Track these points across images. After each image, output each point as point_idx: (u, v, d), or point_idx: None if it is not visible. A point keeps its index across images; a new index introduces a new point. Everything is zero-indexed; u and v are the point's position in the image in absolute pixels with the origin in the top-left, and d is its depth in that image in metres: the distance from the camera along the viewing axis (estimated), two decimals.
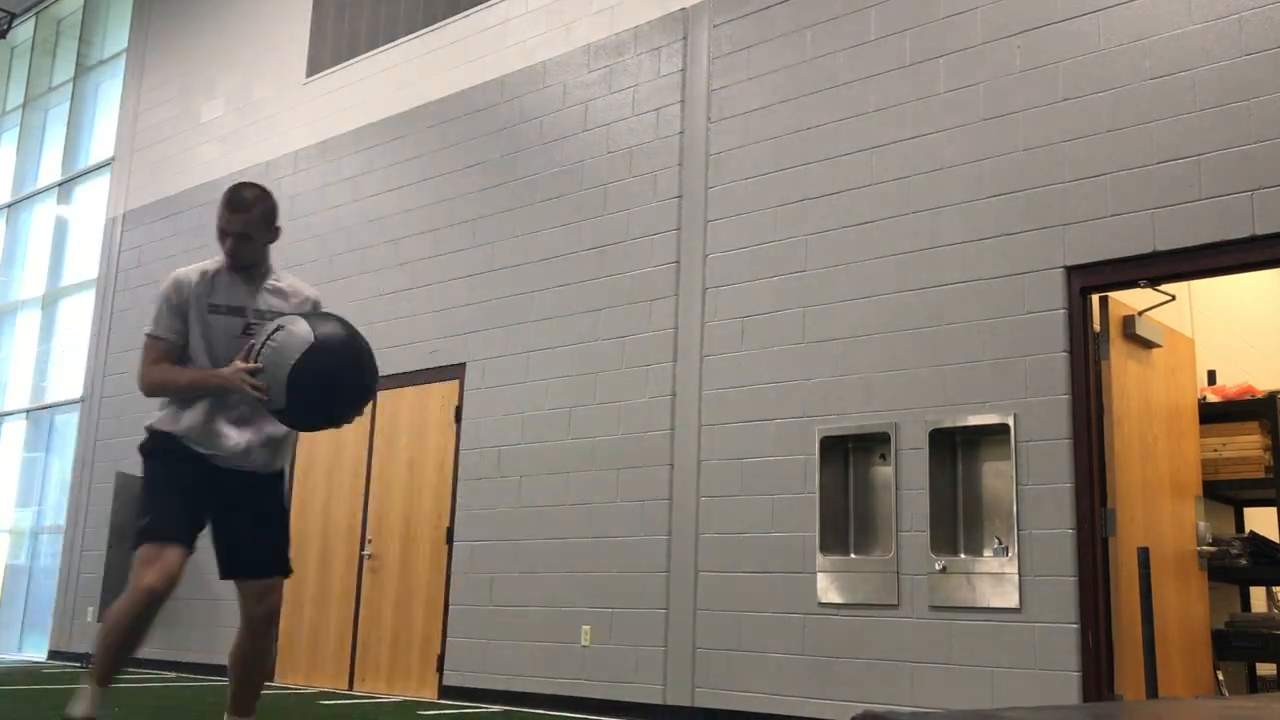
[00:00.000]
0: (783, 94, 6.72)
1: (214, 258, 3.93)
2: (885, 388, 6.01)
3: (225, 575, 3.84)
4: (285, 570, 3.89)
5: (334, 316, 3.73)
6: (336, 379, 3.62)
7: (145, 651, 10.00)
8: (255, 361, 3.59)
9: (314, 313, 3.84)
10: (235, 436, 3.76)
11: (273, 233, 3.92)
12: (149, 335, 3.80)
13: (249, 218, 3.83)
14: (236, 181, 4.03)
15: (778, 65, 6.78)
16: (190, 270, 3.86)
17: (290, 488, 9.00)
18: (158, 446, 3.78)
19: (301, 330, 3.58)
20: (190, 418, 3.74)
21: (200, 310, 3.78)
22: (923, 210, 6.04)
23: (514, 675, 7.19)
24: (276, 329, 3.61)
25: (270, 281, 3.97)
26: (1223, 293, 7.21)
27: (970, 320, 5.77)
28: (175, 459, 3.73)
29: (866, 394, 6.06)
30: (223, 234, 3.84)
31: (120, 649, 3.59)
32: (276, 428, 3.83)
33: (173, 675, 8.73)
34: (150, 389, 3.81)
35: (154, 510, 3.66)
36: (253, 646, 3.83)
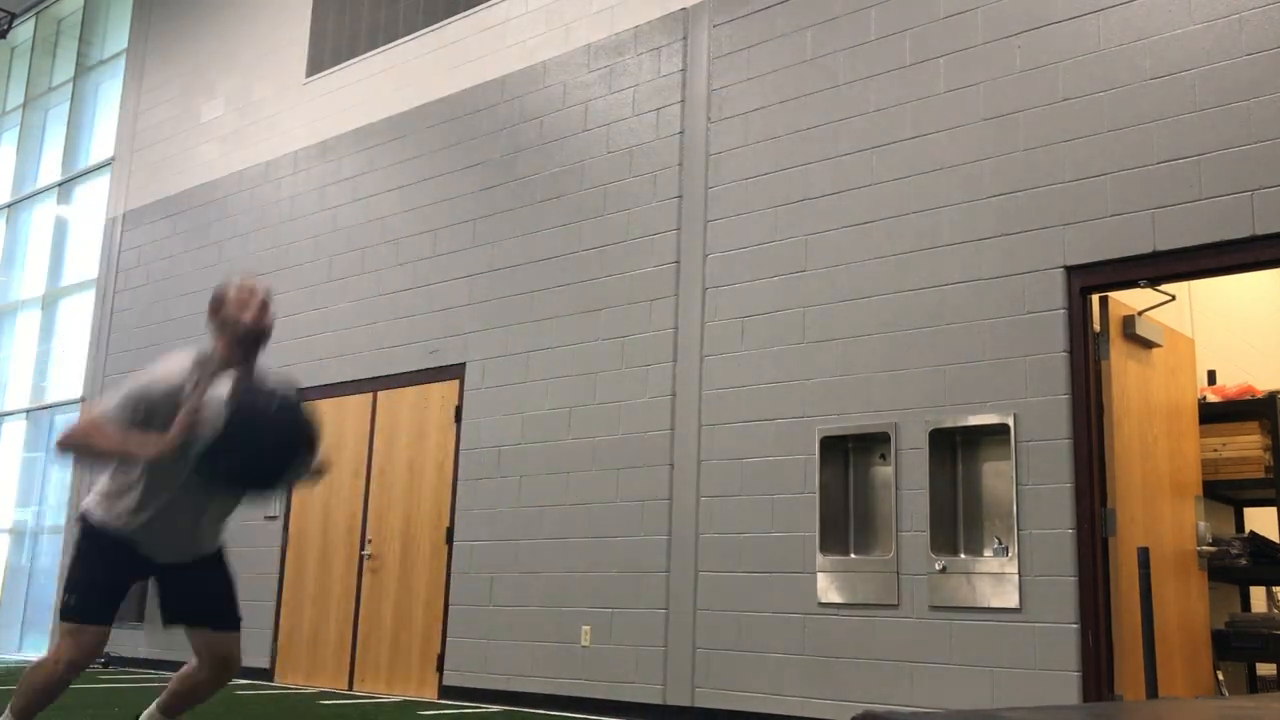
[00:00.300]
0: (783, 94, 6.72)
1: (190, 353, 3.71)
2: (885, 388, 6.01)
3: (171, 624, 3.92)
4: (236, 623, 3.94)
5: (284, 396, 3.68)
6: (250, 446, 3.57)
7: (145, 652, 10.00)
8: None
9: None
10: (185, 549, 3.79)
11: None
12: (101, 415, 3.61)
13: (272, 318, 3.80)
14: (241, 277, 3.88)
15: (778, 65, 6.78)
16: (172, 374, 3.64)
17: (290, 488, 9.00)
18: (94, 537, 3.74)
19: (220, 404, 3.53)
20: (145, 521, 3.69)
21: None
22: (923, 210, 6.04)
23: (514, 675, 7.19)
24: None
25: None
26: (1223, 293, 7.21)
27: (970, 320, 5.77)
28: (109, 550, 3.72)
29: (866, 394, 6.06)
30: (253, 333, 3.72)
31: (37, 709, 3.72)
32: (218, 527, 3.87)
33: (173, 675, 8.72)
34: (73, 445, 3.65)
35: (78, 589, 3.71)
36: (211, 682, 3.92)
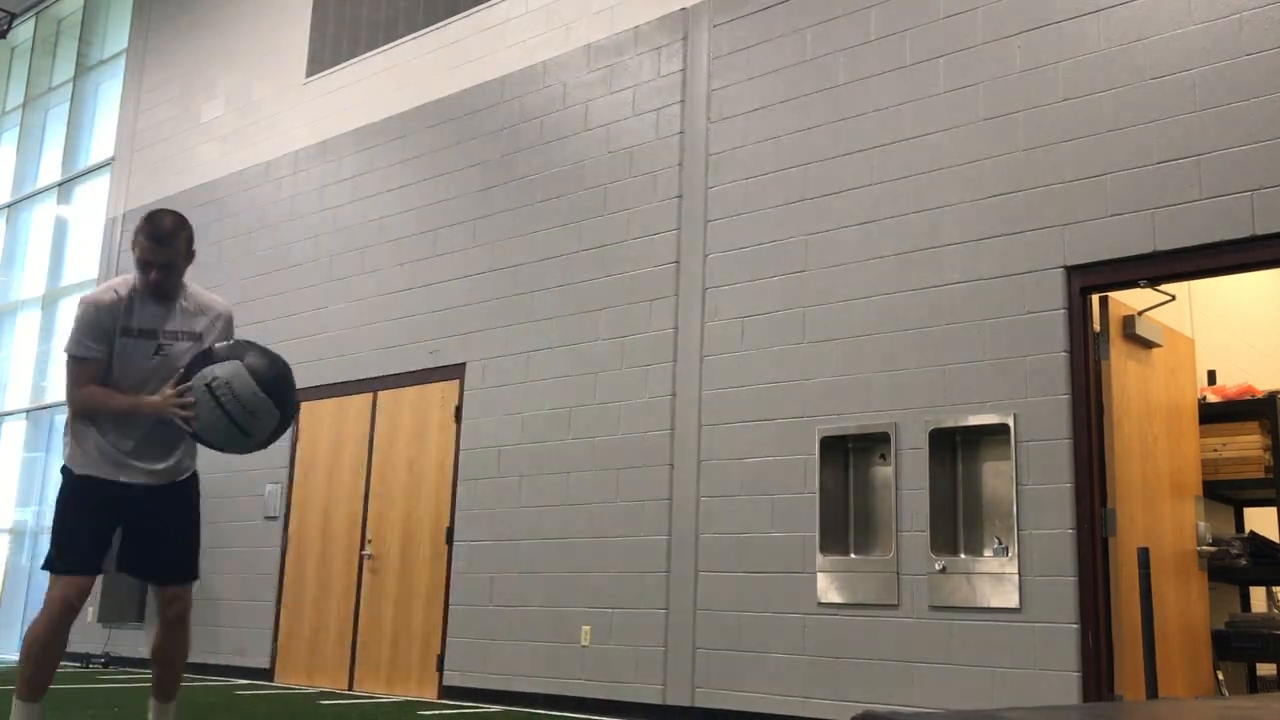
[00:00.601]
0: (783, 94, 6.72)
1: (122, 277, 4.02)
2: (885, 388, 6.01)
3: (134, 575, 4.12)
4: (190, 576, 4.08)
5: (249, 345, 3.94)
6: (286, 400, 3.92)
7: (145, 652, 9.97)
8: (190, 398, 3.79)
9: (231, 345, 3.98)
10: (139, 462, 3.93)
11: (192, 257, 4.02)
12: (73, 357, 3.89)
13: (173, 251, 3.93)
14: (153, 210, 4.10)
15: (778, 65, 6.79)
16: (104, 292, 3.93)
17: (290, 488, 9.01)
18: (68, 480, 3.96)
19: (234, 368, 3.84)
20: (95, 451, 3.90)
21: (115, 334, 3.89)
22: (923, 210, 6.04)
23: (514, 675, 7.19)
24: (213, 378, 3.81)
25: (182, 301, 4.03)
26: (1223, 293, 7.21)
27: (970, 320, 5.78)
28: (84, 491, 3.91)
29: (866, 394, 6.06)
30: (145, 264, 3.91)
31: (41, 660, 3.83)
32: (178, 441, 4.01)
33: None
34: (83, 410, 3.92)
35: (62, 542, 3.89)
36: (170, 642, 4.04)
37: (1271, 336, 8.01)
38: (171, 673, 4.08)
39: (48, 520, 12.47)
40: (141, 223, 3.94)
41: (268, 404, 3.82)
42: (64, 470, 3.98)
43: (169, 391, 3.82)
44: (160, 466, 3.96)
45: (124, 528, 3.95)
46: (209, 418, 3.80)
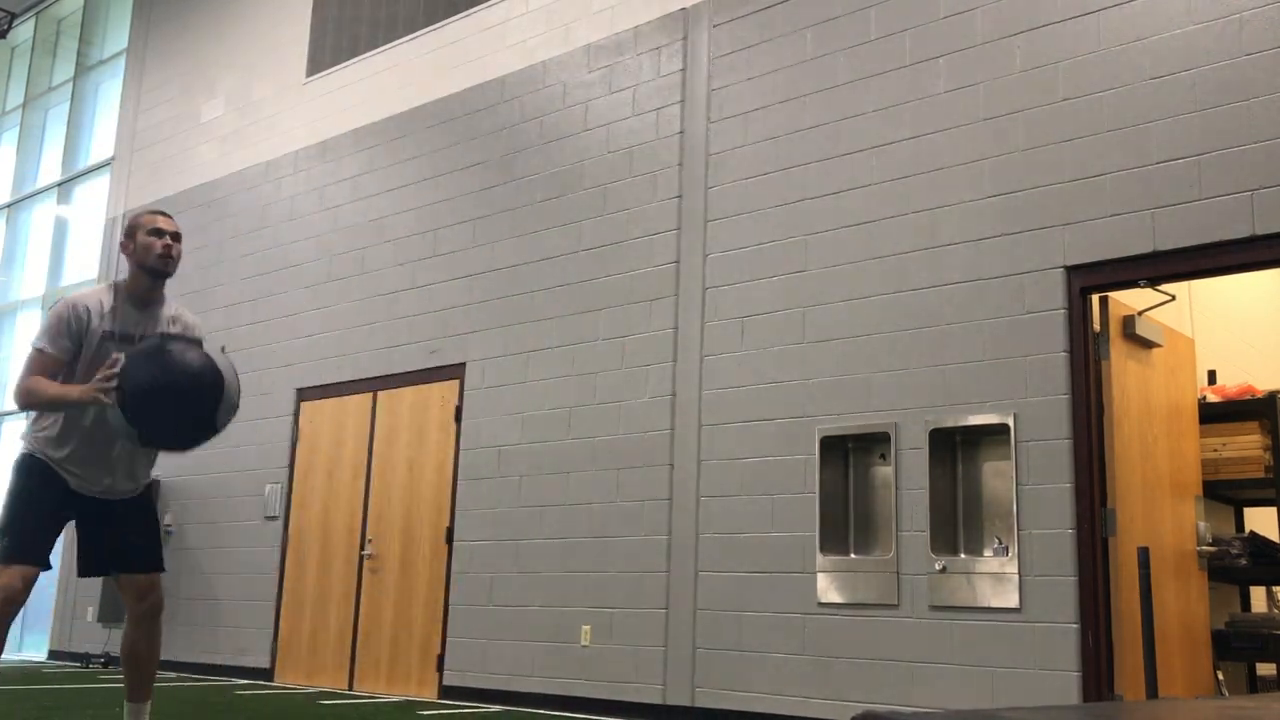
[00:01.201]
0: (783, 94, 6.72)
1: (107, 283, 4.10)
2: (885, 388, 6.01)
3: (105, 570, 4.08)
4: (161, 565, 4.10)
5: (196, 346, 3.92)
6: (169, 398, 3.78)
7: None
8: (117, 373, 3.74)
9: (179, 336, 4.00)
10: (105, 478, 3.96)
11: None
12: (36, 349, 3.92)
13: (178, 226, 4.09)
14: (153, 209, 4.24)
15: (778, 65, 6.79)
16: (88, 296, 3.98)
17: (290, 488, 9.00)
18: (30, 467, 3.95)
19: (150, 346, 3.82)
20: (69, 450, 3.92)
21: (93, 338, 3.92)
22: (923, 210, 6.04)
23: (514, 675, 7.19)
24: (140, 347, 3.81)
25: (162, 310, 4.10)
26: (1222, 293, 7.21)
27: (970, 320, 5.78)
28: (42, 481, 3.92)
29: (866, 394, 6.06)
30: (158, 233, 3.98)
31: None
32: (143, 466, 4.08)
33: (173, 675, 8.73)
34: (22, 400, 3.93)
35: (14, 528, 3.85)
36: (143, 641, 4.04)
37: (1271, 336, 8.01)
38: (147, 671, 4.06)
39: None
40: (139, 213, 4.07)
41: (138, 408, 3.71)
42: (24, 455, 3.97)
43: (97, 376, 3.77)
44: (121, 483, 4.02)
45: (82, 522, 3.98)
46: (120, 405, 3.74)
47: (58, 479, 3.91)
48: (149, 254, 3.98)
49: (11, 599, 3.74)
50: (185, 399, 3.76)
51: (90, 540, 4.03)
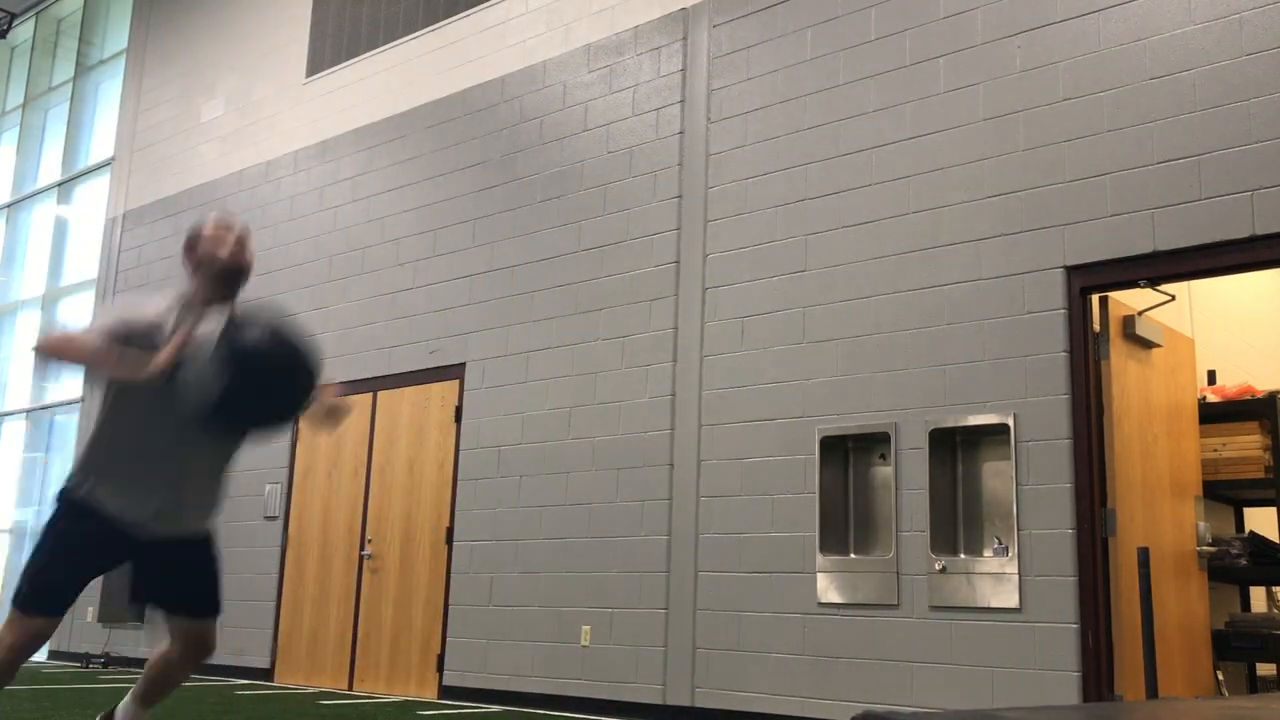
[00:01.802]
0: (783, 94, 6.72)
1: (172, 291, 3.67)
2: (885, 388, 6.01)
3: (160, 608, 3.77)
4: (218, 610, 3.85)
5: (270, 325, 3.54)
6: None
7: (145, 652, 9.97)
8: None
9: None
10: (157, 504, 3.58)
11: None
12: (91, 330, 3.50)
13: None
14: (216, 214, 3.85)
15: (778, 65, 6.79)
16: (149, 304, 3.59)
17: (290, 488, 9.00)
18: (65, 509, 3.57)
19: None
20: (116, 489, 3.53)
21: (138, 341, 3.47)
22: (923, 210, 6.05)
23: (514, 675, 7.19)
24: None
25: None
26: (1222, 293, 7.21)
27: (970, 320, 5.78)
28: (81, 524, 3.53)
29: (866, 394, 6.06)
30: (230, 270, 3.63)
31: None
32: (211, 493, 3.76)
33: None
34: (51, 343, 3.51)
35: (34, 578, 3.51)
36: (181, 673, 3.82)
37: (1271, 336, 8.01)
38: (170, 690, 3.91)
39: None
40: (223, 225, 3.68)
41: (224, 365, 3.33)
42: (63, 492, 3.59)
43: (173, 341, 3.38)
44: (171, 515, 3.62)
45: (135, 564, 3.66)
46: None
47: (98, 528, 3.52)
48: (218, 251, 3.63)
49: (21, 650, 3.45)
50: (295, 369, 3.45)
51: (145, 576, 3.72)
